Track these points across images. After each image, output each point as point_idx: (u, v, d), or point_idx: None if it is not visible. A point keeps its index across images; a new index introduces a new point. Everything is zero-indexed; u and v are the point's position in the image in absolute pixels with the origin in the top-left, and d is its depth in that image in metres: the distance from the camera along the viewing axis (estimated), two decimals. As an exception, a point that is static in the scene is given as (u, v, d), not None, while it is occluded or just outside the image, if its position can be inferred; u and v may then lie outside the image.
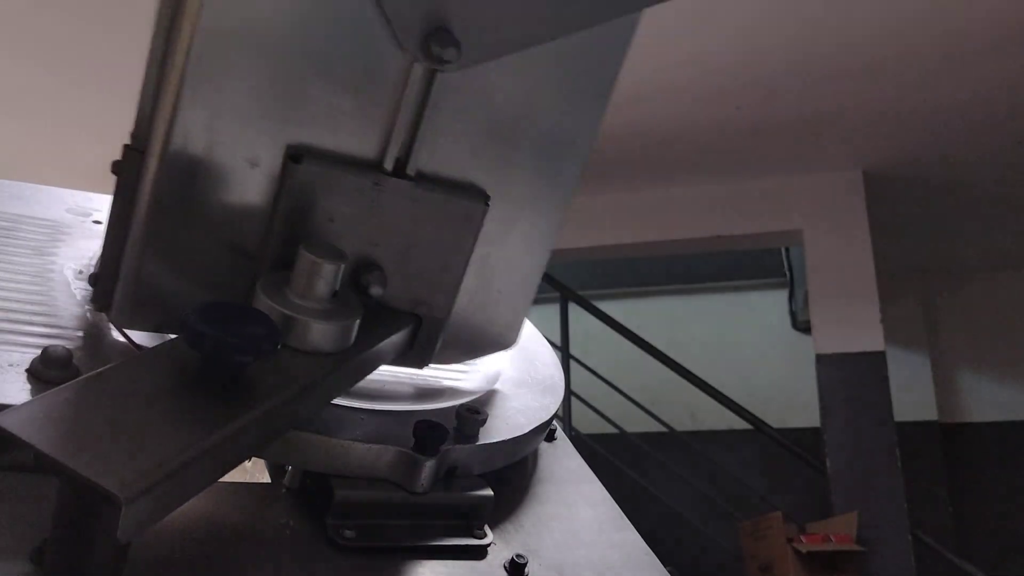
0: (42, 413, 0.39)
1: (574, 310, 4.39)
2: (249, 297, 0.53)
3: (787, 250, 4.91)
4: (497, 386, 0.69)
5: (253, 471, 0.66)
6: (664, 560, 0.64)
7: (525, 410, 0.67)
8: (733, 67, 3.03)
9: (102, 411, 0.41)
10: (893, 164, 3.67)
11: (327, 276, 0.51)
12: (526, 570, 0.56)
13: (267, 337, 0.45)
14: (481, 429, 0.59)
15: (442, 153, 0.56)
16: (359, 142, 0.54)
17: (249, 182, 0.52)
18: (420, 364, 0.64)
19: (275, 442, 0.50)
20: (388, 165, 0.55)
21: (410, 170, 0.55)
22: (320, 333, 0.51)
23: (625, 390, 4.14)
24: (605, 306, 4.46)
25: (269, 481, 0.59)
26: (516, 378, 0.72)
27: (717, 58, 2.99)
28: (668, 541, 3.93)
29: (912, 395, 4.54)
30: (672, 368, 4.05)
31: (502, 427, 0.62)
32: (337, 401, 0.57)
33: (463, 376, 0.70)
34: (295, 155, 0.52)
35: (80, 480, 0.37)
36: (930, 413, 4.65)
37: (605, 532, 0.65)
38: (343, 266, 0.52)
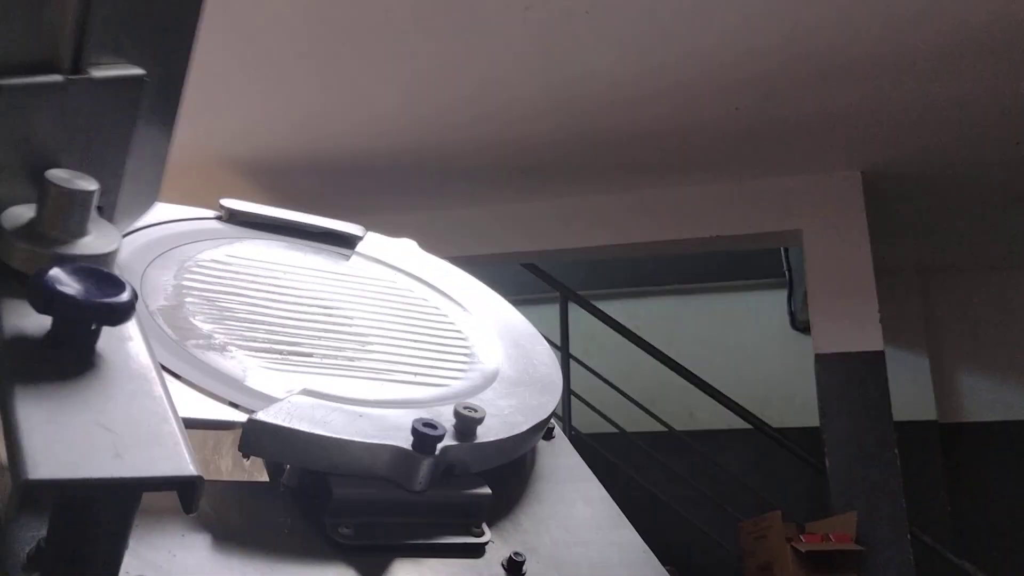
0: (40, 445, 0.37)
1: (574, 310, 4.39)
2: None
3: (786, 250, 4.91)
4: (495, 385, 0.69)
5: (252, 470, 0.66)
6: (662, 559, 0.64)
7: (523, 409, 0.67)
8: (732, 67, 3.03)
9: (59, 417, 0.39)
10: (892, 164, 3.67)
11: (90, 202, 0.49)
12: (524, 568, 0.56)
13: (133, 299, 0.44)
14: (479, 428, 0.60)
15: (104, 41, 0.53)
16: (35, 47, 0.49)
17: None
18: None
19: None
20: (66, 65, 0.51)
21: (85, 65, 0.52)
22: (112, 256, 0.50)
23: (625, 390, 4.14)
24: (605, 306, 4.46)
25: (267, 480, 0.59)
26: (514, 377, 0.72)
27: (716, 58, 2.99)
28: (666, 540, 3.93)
29: (911, 395, 4.54)
30: (672, 368, 4.05)
31: (500, 426, 0.62)
32: (338, 401, 0.57)
33: (461, 375, 0.70)
34: None
35: (140, 484, 0.37)
36: (929, 413, 4.65)
37: (603, 530, 0.65)
38: (97, 186, 0.49)
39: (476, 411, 0.60)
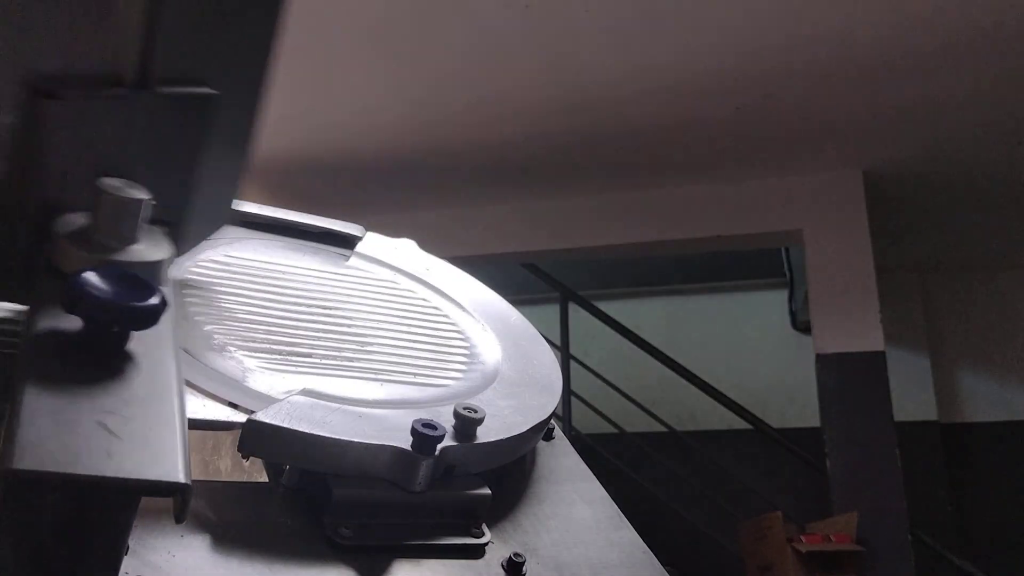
0: (33, 437, 0.37)
1: (574, 310, 4.40)
2: (24, 257, 0.50)
3: (787, 250, 4.91)
4: (495, 385, 0.69)
5: (251, 470, 0.66)
6: (663, 560, 0.64)
7: (523, 409, 0.67)
8: (732, 67, 3.03)
9: (59, 415, 0.39)
10: (893, 164, 3.67)
11: (139, 211, 0.49)
12: (524, 569, 0.56)
13: (161, 305, 0.44)
14: (479, 428, 0.59)
15: (174, 57, 0.53)
16: (102, 60, 0.50)
17: None
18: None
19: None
20: (131, 78, 0.51)
21: (151, 79, 0.52)
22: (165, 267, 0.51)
23: (625, 390, 4.14)
24: (605, 306, 4.46)
25: (267, 480, 0.59)
26: (514, 377, 0.72)
27: (716, 58, 2.99)
28: (667, 541, 3.93)
29: (912, 395, 4.53)
30: (672, 368, 4.05)
31: (500, 426, 0.62)
32: (338, 401, 0.57)
33: (461, 375, 0.70)
34: (44, 89, 0.48)
35: (130, 486, 0.36)
36: (930, 413, 4.65)
37: (603, 531, 0.65)
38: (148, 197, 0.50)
39: (476, 412, 0.59)
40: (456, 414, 0.59)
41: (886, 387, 3.45)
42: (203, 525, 0.51)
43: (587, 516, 0.66)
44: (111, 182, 0.50)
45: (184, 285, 0.68)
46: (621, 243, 4.06)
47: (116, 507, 0.40)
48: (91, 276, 0.43)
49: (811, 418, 3.76)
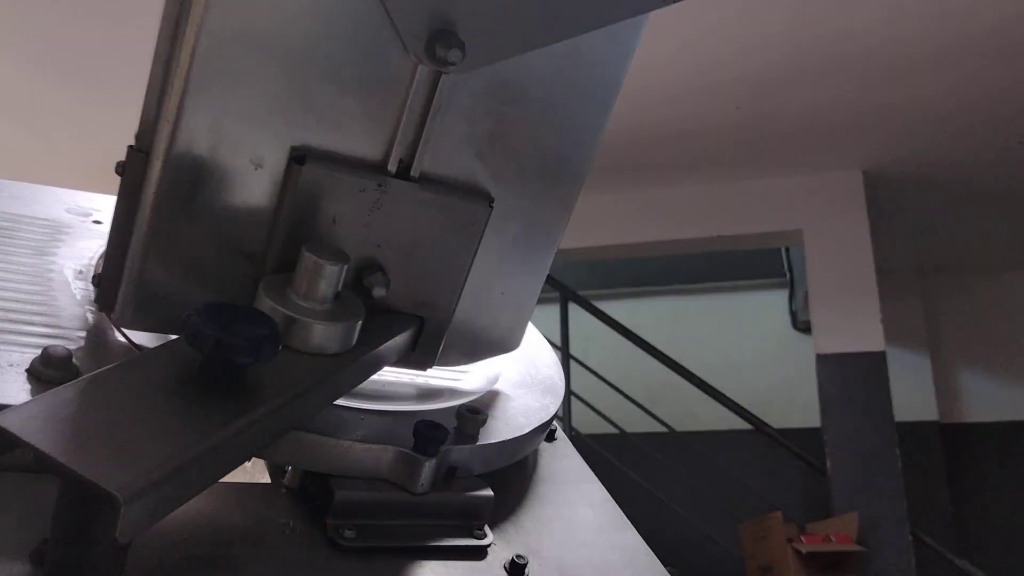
0: (42, 413, 0.39)
1: (574, 310, 4.39)
2: (252, 298, 0.53)
3: (787, 250, 4.91)
4: (497, 386, 0.69)
5: (253, 472, 0.66)
6: (664, 560, 0.64)
7: (525, 410, 0.67)
8: (732, 67, 3.03)
9: (102, 411, 0.41)
10: (893, 164, 3.67)
11: (329, 277, 0.52)
12: (526, 570, 0.56)
13: (268, 338, 0.45)
14: (481, 429, 0.59)
15: (446, 155, 0.56)
16: (363, 144, 0.54)
17: (253, 184, 0.52)
18: (423, 366, 0.64)
19: (275, 443, 0.50)
20: (392, 167, 0.55)
21: (414, 172, 0.56)
22: (322, 334, 0.51)
23: (625, 390, 4.14)
24: (605, 306, 4.46)
25: (269, 482, 0.59)
26: (516, 379, 0.72)
27: (716, 58, 2.99)
28: (668, 541, 3.93)
29: (912, 395, 4.54)
30: (672, 368, 4.05)
31: (502, 427, 0.62)
32: (338, 401, 0.57)
33: (463, 376, 0.70)
34: (299, 157, 0.52)
35: (79, 480, 0.37)
36: (930, 413, 4.65)
37: (605, 532, 0.65)
38: (345, 267, 0.52)
39: (478, 413, 0.60)
40: (458, 415, 0.59)
41: (886, 387, 3.45)
42: (206, 525, 0.51)
43: (589, 518, 0.66)
44: (315, 245, 0.52)
45: None
46: (621, 243, 4.06)
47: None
48: (205, 311, 0.45)
49: (811, 418, 3.76)
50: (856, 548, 3.12)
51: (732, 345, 5.01)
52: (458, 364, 0.67)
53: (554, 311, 4.38)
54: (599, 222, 4.04)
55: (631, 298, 5.28)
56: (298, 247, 0.52)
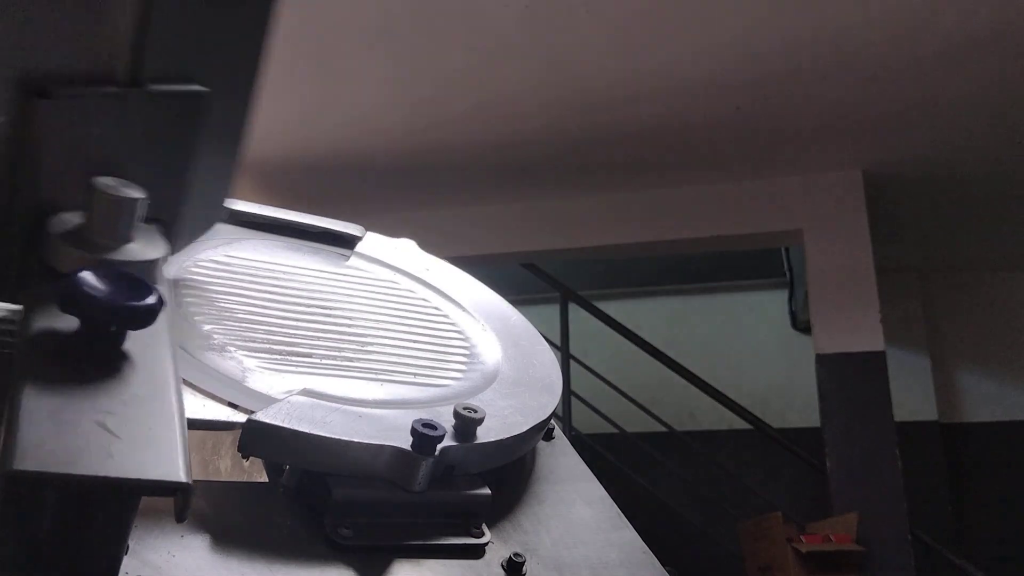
0: (34, 437, 0.37)
1: (574, 310, 4.40)
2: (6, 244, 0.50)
3: (787, 250, 4.91)
4: (495, 385, 0.69)
5: (251, 470, 0.66)
6: (663, 560, 0.64)
7: (523, 409, 0.67)
8: (732, 67, 3.03)
9: (64, 414, 0.39)
10: (893, 164, 3.67)
11: (134, 210, 0.50)
12: (524, 569, 0.56)
13: (158, 304, 0.44)
14: (479, 428, 0.59)
15: (166, 56, 0.53)
16: (94, 59, 0.50)
17: None
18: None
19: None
20: (123, 77, 0.51)
21: (143, 77, 0.52)
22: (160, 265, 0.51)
23: (625, 390, 4.14)
24: (605, 306, 4.46)
25: (267, 480, 0.59)
26: (514, 377, 0.72)
27: (716, 58, 2.99)
28: (667, 541, 3.93)
29: (912, 395, 4.54)
30: (672, 368, 4.05)
31: (500, 426, 0.62)
32: (338, 401, 0.57)
33: (461, 375, 0.70)
34: (37, 89, 0.48)
35: (130, 485, 0.36)
36: (930, 413, 4.65)
37: (603, 531, 0.65)
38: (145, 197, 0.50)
39: (476, 412, 0.59)
40: (456, 414, 0.59)
41: (886, 387, 3.45)
42: (203, 525, 0.51)
43: (587, 516, 0.66)
44: (105, 181, 0.50)
45: (183, 285, 0.68)
46: (621, 243, 4.06)
47: (116, 507, 0.40)
48: (87, 275, 0.43)
49: (811, 418, 3.76)
50: (856, 548, 3.12)
51: (732, 345, 5.02)
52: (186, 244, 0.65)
53: (554, 311, 4.38)
54: (599, 222, 4.04)
55: (631, 298, 5.28)
56: (53, 185, 0.49)
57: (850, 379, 3.51)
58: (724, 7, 2.72)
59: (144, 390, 0.42)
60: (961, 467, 4.55)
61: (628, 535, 0.65)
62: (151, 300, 0.44)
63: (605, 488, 0.70)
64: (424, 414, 0.58)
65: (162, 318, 0.45)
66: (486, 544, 0.57)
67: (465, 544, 0.57)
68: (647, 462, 4.07)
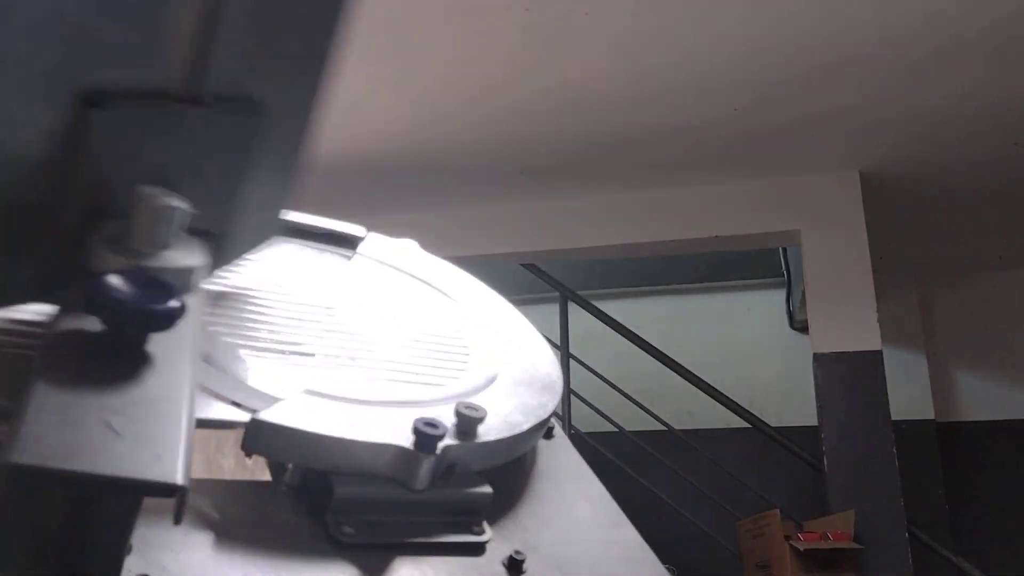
0: (37, 432, 0.37)
1: (574, 310, 4.40)
2: (41, 252, 0.51)
3: (785, 250, 4.91)
4: (496, 384, 0.70)
5: (254, 469, 0.66)
6: (662, 557, 0.64)
7: (524, 408, 0.67)
8: (730, 67, 3.04)
9: (72, 411, 0.39)
10: (890, 164, 3.67)
11: (178, 219, 0.50)
12: (524, 566, 0.57)
13: (179, 309, 0.45)
14: (480, 427, 0.60)
15: (227, 73, 0.53)
16: (153, 73, 0.51)
17: (37, 134, 0.49)
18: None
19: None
20: (182, 92, 0.52)
21: (202, 94, 0.53)
22: (202, 273, 0.52)
23: (624, 389, 4.15)
24: (605, 306, 4.46)
25: (270, 479, 0.60)
26: (515, 376, 0.72)
27: (715, 58, 2.99)
28: (666, 538, 3.92)
29: (909, 394, 4.54)
30: (671, 367, 4.06)
31: (501, 425, 0.62)
32: (337, 401, 0.58)
33: (462, 374, 0.70)
34: (92, 99, 0.48)
35: (125, 484, 0.37)
36: (927, 412, 4.66)
37: (603, 529, 0.65)
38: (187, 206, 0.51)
39: (477, 410, 0.60)
40: (457, 413, 0.60)
41: (883, 386, 3.46)
42: (206, 523, 0.51)
43: (587, 514, 0.66)
44: (148, 190, 0.50)
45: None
46: (621, 243, 4.07)
47: (118, 506, 0.40)
48: (112, 278, 0.44)
49: (808, 417, 3.77)
50: (853, 546, 3.12)
51: (730, 344, 5.02)
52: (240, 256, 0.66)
53: (554, 311, 4.38)
54: (599, 222, 4.05)
55: (631, 298, 5.28)
56: (102, 193, 0.49)
57: (847, 378, 3.52)
58: (722, 9, 2.72)
59: (156, 392, 0.42)
60: (957, 465, 4.56)
61: (628, 533, 0.65)
62: (172, 304, 0.44)
63: (605, 486, 0.70)
64: (425, 413, 0.58)
65: (188, 323, 0.46)
66: (487, 542, 0.58)
67: (466, 542, 0.57)
68: (646, 461, 4.07)
